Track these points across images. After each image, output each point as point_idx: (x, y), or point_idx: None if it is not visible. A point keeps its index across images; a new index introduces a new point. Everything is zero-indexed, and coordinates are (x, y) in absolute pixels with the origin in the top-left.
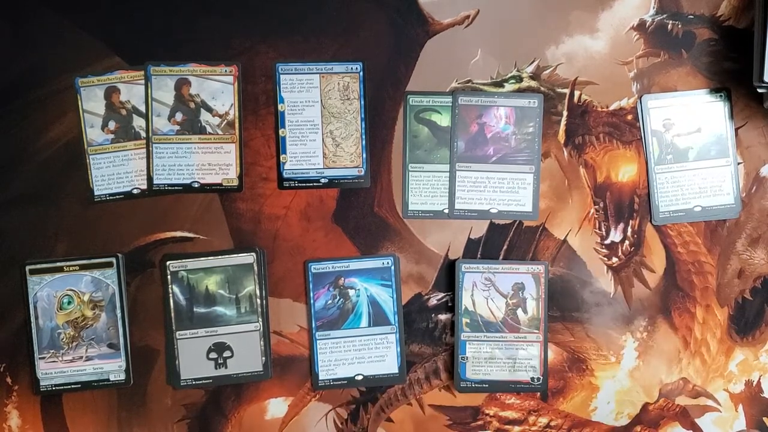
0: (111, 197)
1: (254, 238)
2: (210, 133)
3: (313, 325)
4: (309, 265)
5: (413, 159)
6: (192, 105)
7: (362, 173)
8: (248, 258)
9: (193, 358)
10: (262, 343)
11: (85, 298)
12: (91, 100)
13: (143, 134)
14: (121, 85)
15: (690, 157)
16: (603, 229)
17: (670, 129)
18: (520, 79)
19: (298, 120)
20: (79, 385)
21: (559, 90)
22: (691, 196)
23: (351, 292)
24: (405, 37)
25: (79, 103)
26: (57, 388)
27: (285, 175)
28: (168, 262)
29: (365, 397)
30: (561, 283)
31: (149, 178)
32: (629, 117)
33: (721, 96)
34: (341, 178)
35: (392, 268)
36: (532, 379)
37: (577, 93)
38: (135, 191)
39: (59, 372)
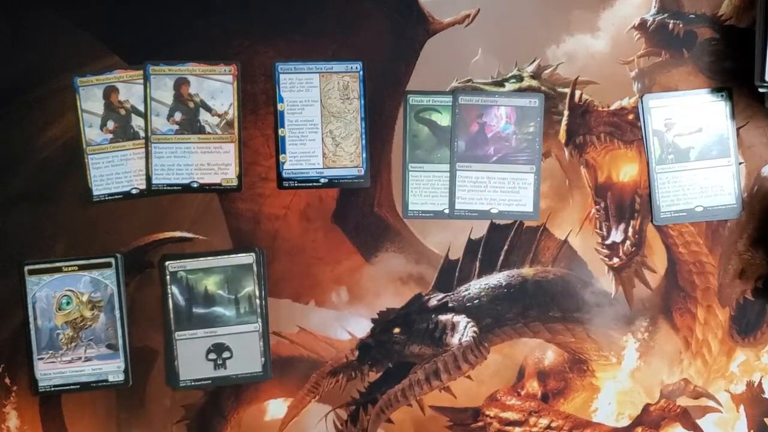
0: (110, 197)
1: (254, 238)
2: (209, 133)
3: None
4: None
5: (413, 159)
6: (191, 104)
7: (362, 173)
8: (248, 258)
9: (192, 358)
10: (261, 343)
11: (84, 298)
12: (90, 99)
13: (142, 134)
14: (120, 84)
15: (691, 157)
16: (604, 229)
17: (672, 129)
18: (520, 79)
19: (298, 120)
20: (78, 386)
21: (560, 89)
22: (693, 196)
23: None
24: (405, 36)
25: (78, 103)
26: (56, 388)
27: (284, 175)
28: (167, 263)
29: (365, 398)
30: (562, 284)
31: (148, 178)
32: (630, 116)
33: (722, 95)
34: (341, 178)
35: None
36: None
37: (578, 92)
38: (134, 191)
39: (58, 373)
